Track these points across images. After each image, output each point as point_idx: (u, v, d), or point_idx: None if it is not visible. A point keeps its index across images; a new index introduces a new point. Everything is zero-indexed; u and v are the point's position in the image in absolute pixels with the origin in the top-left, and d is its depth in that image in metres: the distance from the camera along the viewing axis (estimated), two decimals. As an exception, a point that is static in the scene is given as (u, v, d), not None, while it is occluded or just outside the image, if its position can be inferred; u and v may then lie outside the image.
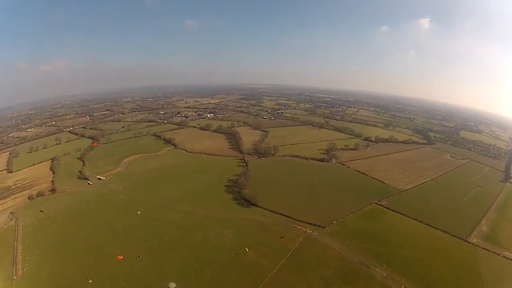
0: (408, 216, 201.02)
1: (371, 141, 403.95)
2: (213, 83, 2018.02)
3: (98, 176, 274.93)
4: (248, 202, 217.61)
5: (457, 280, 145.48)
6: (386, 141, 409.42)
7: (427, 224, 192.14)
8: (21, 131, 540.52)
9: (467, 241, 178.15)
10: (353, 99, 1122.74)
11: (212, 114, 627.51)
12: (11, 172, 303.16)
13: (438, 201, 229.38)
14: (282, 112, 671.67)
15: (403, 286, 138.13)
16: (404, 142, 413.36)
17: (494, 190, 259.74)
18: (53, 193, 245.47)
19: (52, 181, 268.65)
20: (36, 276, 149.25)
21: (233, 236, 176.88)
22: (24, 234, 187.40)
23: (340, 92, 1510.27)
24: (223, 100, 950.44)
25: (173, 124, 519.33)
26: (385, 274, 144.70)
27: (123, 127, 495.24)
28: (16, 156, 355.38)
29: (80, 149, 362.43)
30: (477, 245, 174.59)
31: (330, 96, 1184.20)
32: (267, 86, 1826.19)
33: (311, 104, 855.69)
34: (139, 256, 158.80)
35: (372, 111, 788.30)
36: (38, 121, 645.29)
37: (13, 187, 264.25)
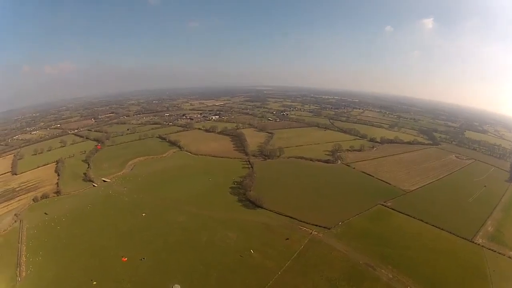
0: (413, 217, 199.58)
1: (377, 142, 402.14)
2: (218, 85, 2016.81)
3: (103, 178, 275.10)
4: (253, 204, 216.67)
5: (462, 281, 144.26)
6: (391, 142, 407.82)
7: (432, 225, 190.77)
8: (25, 133, 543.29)
9: (473, 242, 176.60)
10: (358, 100, 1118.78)
11: (217, 116, 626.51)
12: (16, 174, 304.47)
13: (443, 202, 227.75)
14: (287, 114, 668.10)
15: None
16: (409, 142, 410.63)
17: (499, 190, 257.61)
18: (58, 195, 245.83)
19: (57, 183, 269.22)
20: (40, 277, 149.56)
21: (238, 238, 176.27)
22: (28, 235, 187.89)
23: (344, 93, 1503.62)
24: (228, 102, 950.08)
25: (178, 126, 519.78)
26: (391, 276, 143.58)
27: (128, 130, 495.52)
28: (20, 158, 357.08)
29: (85, 151, 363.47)
30: (482, 246, 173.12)
31: (335, 97, 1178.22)
32: (272, 88, 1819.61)
33: (316, 106, 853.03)
34: (144, 258, 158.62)
35: (377, 112, 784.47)
36: (43, 123, 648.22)
37: (17, 189, 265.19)
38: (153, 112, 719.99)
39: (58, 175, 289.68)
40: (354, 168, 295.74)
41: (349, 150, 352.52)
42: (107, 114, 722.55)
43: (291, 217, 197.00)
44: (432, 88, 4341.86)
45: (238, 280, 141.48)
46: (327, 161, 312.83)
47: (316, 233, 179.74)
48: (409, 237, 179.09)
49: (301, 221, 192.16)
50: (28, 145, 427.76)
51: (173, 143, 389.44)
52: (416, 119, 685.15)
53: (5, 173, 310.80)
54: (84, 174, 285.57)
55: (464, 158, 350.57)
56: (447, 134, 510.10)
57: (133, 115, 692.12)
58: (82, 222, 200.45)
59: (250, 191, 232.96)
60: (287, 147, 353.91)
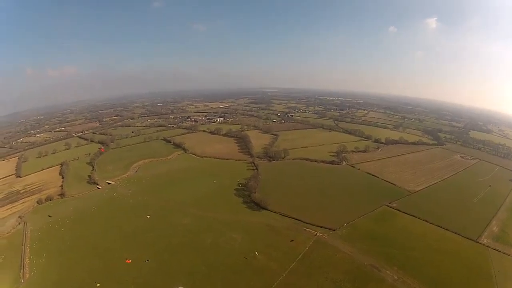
0: (419, 218, 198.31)
1: (381, 142, 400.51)
2: (222, 87, 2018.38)
3: (107, 181, 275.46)
4: (258, 206, 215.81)
5: (467, 282, 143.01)
6: (396, 142, 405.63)
7: (437, 226, 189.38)
8: (30, 136, 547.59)
9: (478, 242, 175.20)
10: (363, 101, 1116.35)
11: (222, 118, 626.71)
12: (20, 177, 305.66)
13: (448, 202, 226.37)
14: (292, 116, 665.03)
15: None
16: (414, 143, 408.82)
17: (504, 190, 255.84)
18: (62, 198, 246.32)
19: (61, 185, 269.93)
20: (43, 279, 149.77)
21: (243, 240, 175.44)
22: (32, 238, 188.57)
23: (349, 94, 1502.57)
24: (232, 104, 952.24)
25: (183, 128, 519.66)
26: (396, 277, 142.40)
27: (132, 132, 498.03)
28: (25, 161, 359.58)
29: (89, 154, 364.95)
30: (487, 246, 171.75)
31: (340, 98, 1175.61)
32: (276, 89, 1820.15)
33: (320, 107, 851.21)
34: (148, 260, 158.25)
35: (382, 112, 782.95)
36: (47, 126, 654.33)
37: (22, 191, 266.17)
38: (158, 115, 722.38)
39: (63, 177, 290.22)
40: (359, 169, 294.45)
41: (354, 151, 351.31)
42: (112, 116, 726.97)
43: (296, 219, 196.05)
44: (436, 88, 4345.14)
45: (242, 282, 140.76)
46: (332, 162, 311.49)
47: (321, 234, 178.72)
48: (414, 238, 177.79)
49: (306, 222, 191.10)
50: (32, 148, 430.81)
51: (177, 146, 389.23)
52: (420, 120, 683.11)
53: (9, 176, 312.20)
54: (89, 176, 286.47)
55: (469, 158, 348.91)
56: (451, 134, 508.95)
57: (138, 117, 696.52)
58: (86, 224, 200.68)
59: (254, 192, 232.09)
60: (292, 149, 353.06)
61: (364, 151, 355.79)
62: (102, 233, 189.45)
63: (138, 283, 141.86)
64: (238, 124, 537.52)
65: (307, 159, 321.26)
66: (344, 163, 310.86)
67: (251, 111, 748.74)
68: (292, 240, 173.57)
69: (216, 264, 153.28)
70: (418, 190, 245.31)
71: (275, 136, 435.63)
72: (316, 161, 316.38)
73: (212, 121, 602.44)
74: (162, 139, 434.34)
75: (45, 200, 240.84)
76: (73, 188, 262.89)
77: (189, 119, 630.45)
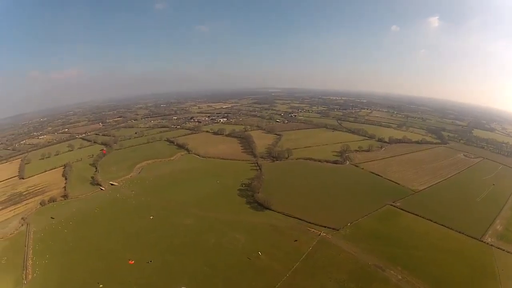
0: (422, 217, 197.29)
1: (385, 142, 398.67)
2: (226, 88, 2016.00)
3: (110, 182, 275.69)
4: (261, 206, 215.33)
5: (471, 281, 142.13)
6: (399, 141, 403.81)
7: (441, 225, 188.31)
8: (33, 138, 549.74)
9: (482, 241, 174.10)
10: (366, 100, 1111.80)
11: (225, 119, 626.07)
12: (23, 179, 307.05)
13: (452, 201, 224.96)
14: (295, 116, 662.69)
15: None
16: (417, 142, 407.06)
17: (508, 189, 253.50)
18: (65, 199, 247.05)
19: (64, 187, 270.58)
20: (46, 280, 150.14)
21: (246, 240, 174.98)
22: (35, 239, 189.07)
23: (352, 93, 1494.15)
24: (235, 104, 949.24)
25: (186, 129, 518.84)
26: (400, 277, 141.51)
27: (136, 133, 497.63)
28: (28, 163, 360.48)
29: (92, 155, 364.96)
30: (491, 245, 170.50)
31: (343, 98, 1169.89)
32: (279, 89, 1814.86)
33: (324, 107, 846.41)
34: (150, 261, 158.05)
35: (385, 112, 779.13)
36: (50, 128, 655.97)
37: (25, 193, 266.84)
38: (161, 116, 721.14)
39: (66, 179, 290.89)
40: (362, 168, 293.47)
41: (358, 151, 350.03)
42: (115, 118, 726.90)
43: (300, 219, 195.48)
44: (439, 87, 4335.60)
45: (245, 282, 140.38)
46: (335, 162, 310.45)
47: (324, 234, 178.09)
48: (418, 237, 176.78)
49: (309, 222, 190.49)
50: (35, 150, 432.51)
51: (181, 146, 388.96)
52: (424, 118, 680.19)
53: (12, 177, 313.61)
54: (92, 177, 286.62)
55: (472, 157, 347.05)
56: (455, 132, 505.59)
57: (141, 118, 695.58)
58: (89, 225, 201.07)
59: (258, 193, 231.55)
60: (295, 149, 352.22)
61: (368, 151, 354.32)
62: (105, 234, 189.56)
63: (140, 284, 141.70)
64: (241, 125, 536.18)
65: (310, 159, 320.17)
66: (348, 162, 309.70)
67: (254, 111, 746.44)
68: (296, 240, 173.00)
69: (219, 265, 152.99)
70: (422, 189, 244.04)
71: (278, 136, 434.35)
72: (319, 160, 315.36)
73: (215, 121, 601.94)
74: (165, 140, 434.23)
75: (48, 201, 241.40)
76: (76, 189, 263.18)
77: (192, 120, 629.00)
